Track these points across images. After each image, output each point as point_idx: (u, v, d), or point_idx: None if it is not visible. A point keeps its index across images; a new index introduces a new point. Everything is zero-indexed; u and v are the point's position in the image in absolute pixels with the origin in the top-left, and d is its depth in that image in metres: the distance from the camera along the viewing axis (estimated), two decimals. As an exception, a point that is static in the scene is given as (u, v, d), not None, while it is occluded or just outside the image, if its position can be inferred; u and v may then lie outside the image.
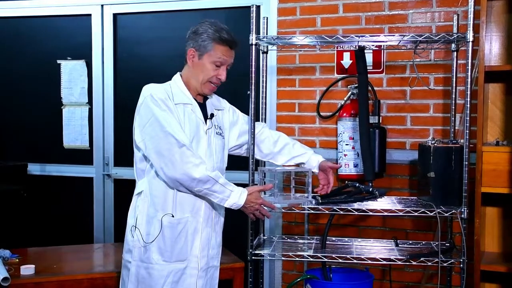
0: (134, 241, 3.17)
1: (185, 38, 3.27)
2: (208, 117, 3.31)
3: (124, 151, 5.32)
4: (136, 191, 3.27)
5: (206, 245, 3.27)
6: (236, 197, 3.20)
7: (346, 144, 4.32)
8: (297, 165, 3.70)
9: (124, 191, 5.19)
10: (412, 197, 4.08)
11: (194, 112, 3.24)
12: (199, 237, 3.23)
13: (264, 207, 3.34)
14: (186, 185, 3.09)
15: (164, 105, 3.10)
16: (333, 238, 4.10)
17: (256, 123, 3.62)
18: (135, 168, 3.27)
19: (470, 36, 3.41)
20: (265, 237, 4.15)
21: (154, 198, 3.16)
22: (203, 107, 3.32)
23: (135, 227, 3.17)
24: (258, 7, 4.45)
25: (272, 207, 3.40)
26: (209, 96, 3.42)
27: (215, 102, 3.47)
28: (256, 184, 3.61)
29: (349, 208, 3.62)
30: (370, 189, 3.91)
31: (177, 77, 3.31)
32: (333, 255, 3.68)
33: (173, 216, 3.14)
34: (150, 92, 3.13)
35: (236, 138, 3.60)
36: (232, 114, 3.58)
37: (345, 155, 4.33)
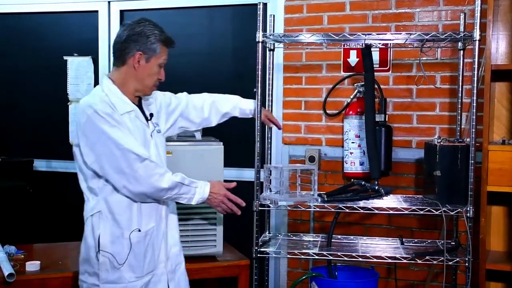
0: (101, 264, 3.01)
1: (120, 39, 3.10)
2: (149, 118, 3.23)
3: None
4: (89, 212, 3.07)
5: (170, 245, 3.24)
6: (201, 191, 3.15)
7: (352, 142, 4.32)
8: None
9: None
10: (417, 196, 4.08)
11: (138, 118, 3.13)
12: (164, 242, 3.19)
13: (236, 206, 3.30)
14: (155, 196, 3.05)
15: (113, 120, 2.96)
16: (339, 236, 4.10)
17: (176, 96, 3.57)
18: (84, 187, 3.10)
19: (476, 34, 3.41)
20: (270, 235, 4.16)
21: (117, 216, 3.02)
22: (140, 109, 3.21)
23: (99, 249, 3.01)
24: (265, 4, 4.44)
25: (239, 202, 3.30)
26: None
27: (148, 98, 3.33)
28: (262, 182, 3.61)
29: (354, 206, 3.62)
30: (376, 187, 3.91)
31: (108, 83, 3.11)
32: (339, 253, 3.68)
33: (139, 231, 3.06)
34: (93, 108, 2.94)
35: (165, 122, 3.46)
36: (156, 101, 3.42)
37: (351, 153, 4.33)
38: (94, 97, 3.03)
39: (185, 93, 3.66)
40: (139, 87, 3.12)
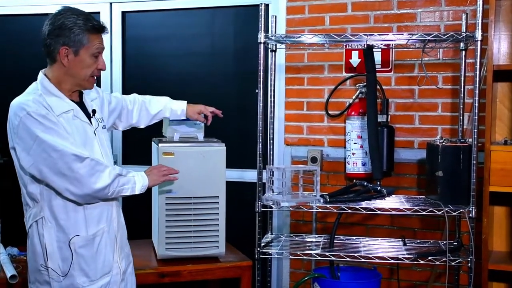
0: (51, 272, 2.89)
1: (44, 35, 2.95)
2: (91, 115, 3.06)
3: (132, 149, 5.32)
4: (31, 219, 2.95)
5: (121, 246, 3.14)
6: (140, 179, 3.05)
7: (354, 143, 4.32)
8: None
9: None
10: (420, 196, 4.08)
11: (78, 117, 2.96)
12: (116, 243, 3.09)
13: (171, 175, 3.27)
14: (100, 195, 2.89)
15: (48, 122, 2.79)
16: (341, 237, 4.10)
17: (112, 95, 3.49)
18: (25, 193, 2.97)
19: (478, 35, 3.41)
20: (272, 236, 4.16)
21: (61, 221, 2.88)
22: (81, 105, 3.04)
23: (47, 258, 2.89)
24: (266, 5, 4.42)
25: (175, 171, 3.26)
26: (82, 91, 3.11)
27: (90, 93, 3.19)
28: (264, 183, 3.61)
29: (357, 206, 3.62)
30: (378, 188, 3.91)
31: (45, 81, 2.96)
32: (341, 254, 3.68)
33: (81, 235, 2.92)
34: (25, 110, 2.79)
35: (107, 119, 3.33)
36: (99, 96, 3.31)
37: (353, 153, 4.33)
38: (28, 97, 2.88)
39: (117, 93, 3.63)
40: (76, 82, 2.95)
